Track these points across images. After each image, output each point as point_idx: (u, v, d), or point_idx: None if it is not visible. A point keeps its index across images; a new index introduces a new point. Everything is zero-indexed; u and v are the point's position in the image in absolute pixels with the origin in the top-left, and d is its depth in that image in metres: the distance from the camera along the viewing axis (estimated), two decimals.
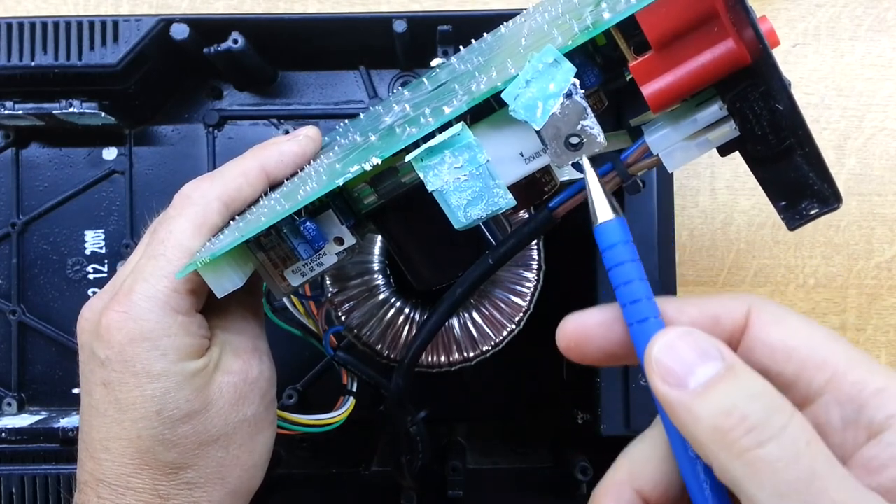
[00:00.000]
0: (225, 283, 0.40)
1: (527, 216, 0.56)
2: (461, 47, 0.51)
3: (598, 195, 0.33)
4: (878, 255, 0.70)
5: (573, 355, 0.34)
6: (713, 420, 0.27)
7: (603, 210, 0.32)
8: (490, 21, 0.53)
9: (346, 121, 0.57)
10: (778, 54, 0.31)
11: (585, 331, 0.33)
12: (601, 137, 0.33)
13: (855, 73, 0.70)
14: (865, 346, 0.70)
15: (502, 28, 0.50)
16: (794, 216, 0.33)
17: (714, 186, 0.70)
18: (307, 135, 0.48)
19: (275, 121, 0.65)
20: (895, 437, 0.28)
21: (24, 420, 0.61)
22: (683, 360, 0.29)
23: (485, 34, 0.50)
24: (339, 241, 0.42)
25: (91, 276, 0.65)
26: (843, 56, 0.70)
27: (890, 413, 0.28)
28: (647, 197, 0.57)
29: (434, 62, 0.52)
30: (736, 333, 0.31)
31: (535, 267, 0.57)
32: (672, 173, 0.58)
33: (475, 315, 0.58)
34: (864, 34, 0.70)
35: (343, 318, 0.57)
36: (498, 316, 0.57)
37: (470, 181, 0.35)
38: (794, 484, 0.26)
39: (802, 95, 0.69)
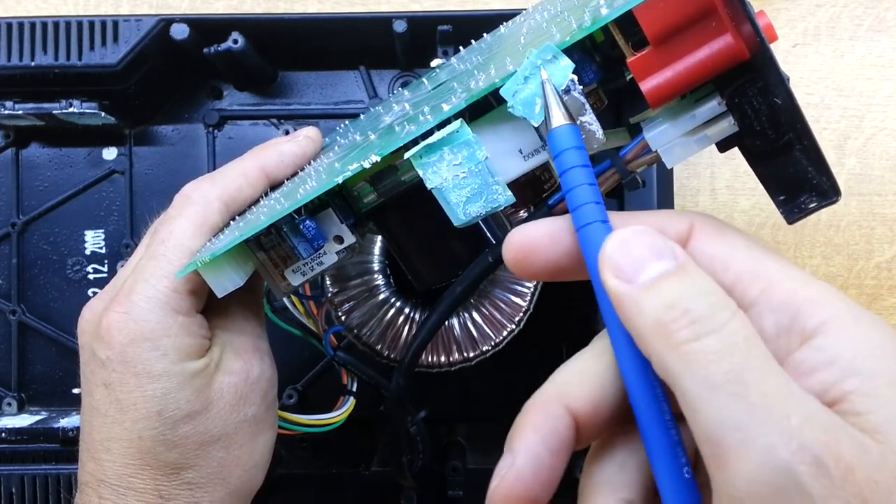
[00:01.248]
0: (225, 283, 0.40)
1: (526, 215, 0.56)
2: (461, 47, 0.51)
3: (553, 102, 0.32)
4: (878, 256, 0.70)
5: (520, 269, 0.33)
6: (656, 312, 0.27)
7: (557, 116, 0.32)
8: (490, 21, 0.53)
9: (347, 122, 0.57)
10: (778, 54, 0.31)
11: (532, 242, 0.33)
12: (600, 133, 0.33)
13: (855, 73, 0.70)
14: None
15: (502, 28, 0.50)
16: (793, 210, 0.33)
17: (714, 186, 0.70)
18: (307, 135, 0.48)
19: (275, 121, 0.65)
20: (825, 341, 0.28)
21: (24, 420, 0.61)
22: (635, 256, 0.29)
23: (485, 34, 0.50)
24: (339, 239, 0.42)
25: (91, 277, 0.65)
26: (843, 56, 0.70)
27: (821, 319, 0.28)
28: (648, 197, 0.57)
29: (434, 62, 0.52)
30: (679, 245, 0.31)
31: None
32: (672, 174, 0.58)
33: (475, 315, 0.58)
34: (864, 34, 0.70)
35: (343, 318, 0.57)
36: (498, 316, 0.57)
37: (469, 178, 0.35)
38: (725, 374, 0.26)
39: (802, 95, 0.69)
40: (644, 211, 0.33)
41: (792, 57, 0.70)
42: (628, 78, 0.36)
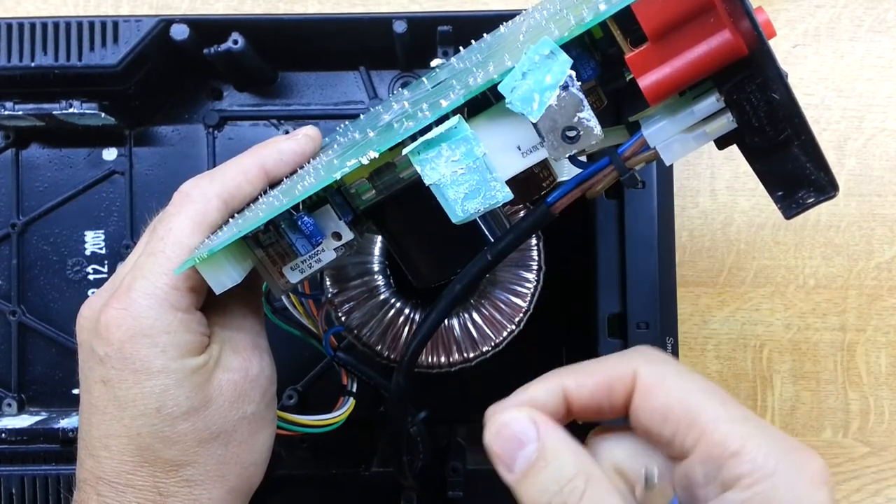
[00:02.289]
0: (223, 280, 0.40)
1: (524, 213, 0.56)
2: (461, 48, 0.51)
3: None
4: (878, 256, 0.70)
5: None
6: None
7: None
8: (490, 21, 0.53)
9: (347, 122, 0.57)
10: (778, 55, 0.31)
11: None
12: (598, 129, 0.33)
13: (855, 74, 0.70)
14: (865, 346, 0.70)
15: (502, 28, 0.50)
16: (791, 205, 0.33)
17: (714, 187, 0.70)
18: (306, 134, 0.48)
19: (275, 121, 0.65)
20: (735, 496, 0.32)
21: (24, 421, 0.61)
22: (506, 446, 0.33)
23: (485, 35, 0.50)
24: (337, 236, 0.42)
25: (91, 277, 0.65)
26: (843, 57, 0.70)
27: (737, 474, 0.32)
28: (648, 197, 0.57)
29: (434, 63, 0.52)
30: (628, 397, 0.35)
31: (535, 268, 0.57)
32: (672, 174, 0.58)
33: (475, 315, 0.58)
34: (864, 35, 0.70)
35: (343, 318, 0.57)
36: (498, 316, 0.57)
37: (467, 174, 0.35)
38: None
39: (802, 96, 0.69)
40: (594, 364, 0.37)
41: (792, 58, 0.70)
42: (628, 78, 0.36)
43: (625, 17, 0.32)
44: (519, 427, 0.34)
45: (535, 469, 0.33)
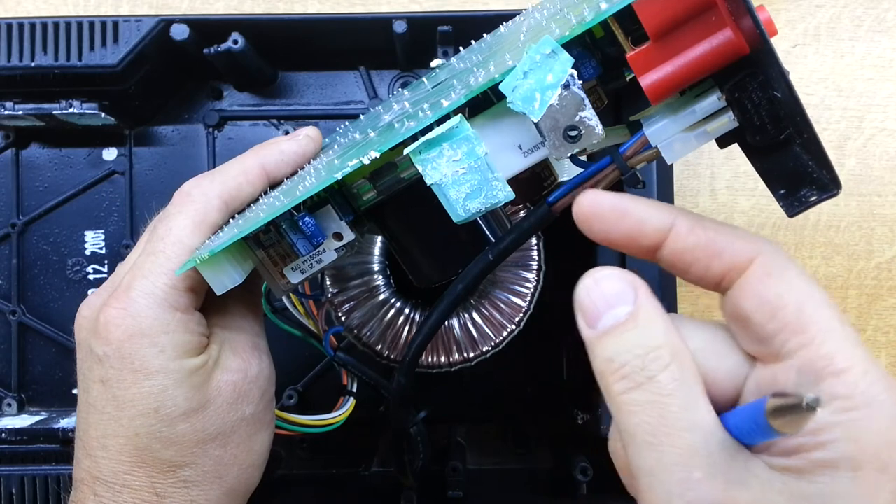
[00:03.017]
0: (224, 280, 0.40)
1: (525, 213, 0.56)
2: (461, 48, 0.51)
3: None
4: (878, 256, 0.70)
5: (584, 229, 0.35)
6: (600, 364, 0.31)
7: None
8: (490, 22, 0.53)
9: (347, 122, 0.57)
10: (778, 55, 0.31)
11: (599, 210, 0.34)
12: (599, 129, 0.33)
13: (855, 74, 0.70)
14: (865, 346, 0.70)
15: (502, 28, 0.50)
16: (794, 203, 0.33)
17: (714, 187, 0.70)
18: (307, 134, 0.48)
19: (275, 121, 0.65)
20: (825, 415, 0.29)
21: (24, 421, 0.61)
22: (597, 301, 0.32)
23: (485, 35, 0.50)
24: (338, 236, 0.42)
25: (91, 277, 0.65)
26: (844, 57, 0.70)
27: (835, 393, 0.30)
28: (647, 196, 0.57)
29: (434, 63, 0.52)
30: (733, 272, 0.32)
31: (535, 268, 0.57)
32: (672, 174, 0.58)
33: (475, 315, 0.58)
34: (864, 35, 0.70)
35: (343, 318, 0.57)
36: (498, 316, 0.57)
37: (468, 174, 0.35)
38: (643, 427, 0.30)
39: (803, 96, 0.68)
40: (717, 224, 0.34)
41: (792, 57, 0.70)
42: (629, 78, 0.36)
43: (626, 16, 0.32)
44: (618, 286, 0.32)
45: (622, 328, 0.31)
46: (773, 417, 0.26)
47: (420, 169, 0.35)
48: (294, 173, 0.47)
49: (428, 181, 0.35)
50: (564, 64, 0.32)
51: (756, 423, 0.28)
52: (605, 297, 0.32)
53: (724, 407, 0.32)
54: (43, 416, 0.63)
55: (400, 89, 0.63)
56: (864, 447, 0.29)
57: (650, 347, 0.31)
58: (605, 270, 0.33)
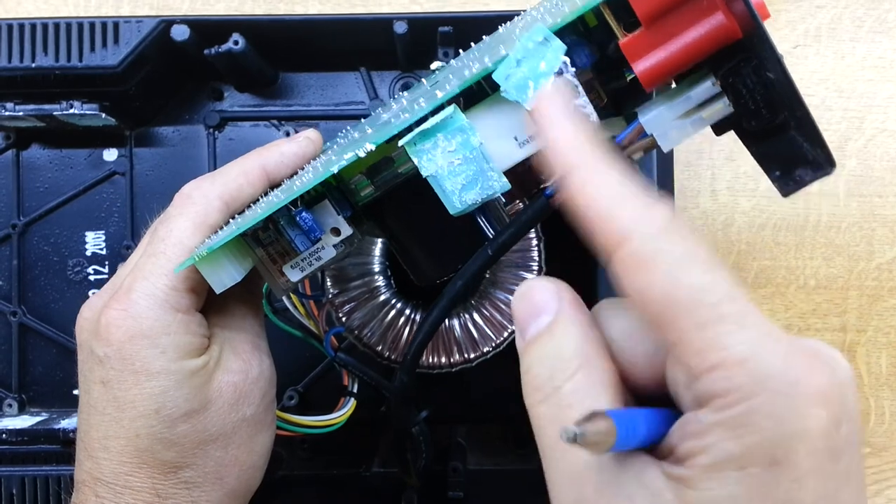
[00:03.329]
0: (223, 278, 0.40)
1: (522, 207, 0.56)
2: (461, 49, 0.51)
3: None
4: (879, 257, 0.70)
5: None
6: (523, 373, 0.32)
7: None
8: (490, 22, 0.53)
9: (349, 126, 0.57)
10: (771, 38, 0.31)
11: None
12: (594, 116, 0.33)
13: (855, 75, 0.70)
14: (866, 347, 0.70)
15: (500, 29, 0.50)
16: (788, 183, 0.33)
17: (714, 188, 0.70)
18: (308, 137, 0.48)
19: (275, 122, 0.65)
20: (708, 416, 0.27)
21: (25, 421, 0.61)
22: (525, 311, 0.32)
23: (484, 37, 0.50)
24: (336, 231, 0.42)
25: (92, 278, 0.65)
26: (844, 57, 0.70)
27: (711, 392, 0.27)
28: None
29: (434, 64, 0.52)
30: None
31: (536, 268, 0.57)
32: (672, 174, 0.58)
33: (475, 316, 0.58)
34: (864, 35, 0.70)
35: (344, 319, 0.57)
36: (498, 317, 0.57)
37: (464, 165, 0.35)
38: (545, 439, 0.30)
39: (803, 97, 0.69)
40: None
41: (792, 58, 0.70)
42: (628, 78, 0.36)
43: (618, 3, 0.32)
44: (543, 297, 0.32)
45: (540, 339, 0.31)
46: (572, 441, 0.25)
47: (415, 160, 0.35)
48: (294, 175, 0.47)
49: (423, 173, 0.35)
50: (557, 51, 0.32)
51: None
52: (532, 306, 0.32)
53: (651, 391, 0.31)
54: (43, 416, 0.63)
55: (401, 92, 0.63)
56: (748, 443, 0.26)
57: (561, 358, 0.31)
58: (534, 281, 0.33)
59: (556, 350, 0.31)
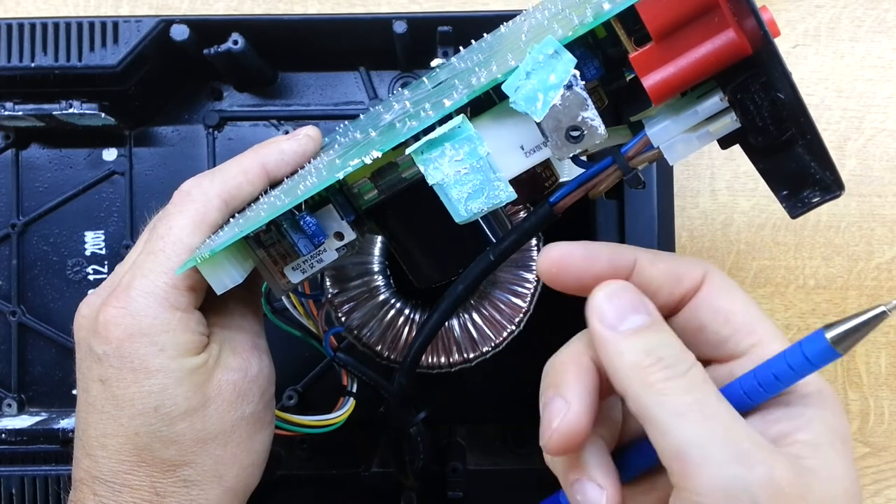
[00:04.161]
0: (224, 280, 0.40)
1: (526, 214, 0.56)
2: (461, 48, 0.51)
3: None
4: (878, 257, 0.70)
5: (550, 279, 0.38)
6: (635, 357, 0.34)
7: None
8: (490, 22, 0.53)
9: (347, 122, 0.57)
10: (782, 55, 0.31)
11: (569, 260, 0.37)
12: (602, 129, 0.33)
13: (855, 75, 0.70)
14: (865, 347, 0.70)
15: (502, 28, 0.50)
16: (797, 204, 0.33)
17: (714, 187, 0.70)
18: (307, 134, 0.48)
19: (275, 122, 0.65)
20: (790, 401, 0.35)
21: (24, 421, 0.61)
22: (619, 307, 0.35)
23: (485, 35, 0.50)
24: (340, 236, 0.42)
25: (91, 277, 0.65)
26: (844, 57, 0.70)
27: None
28: (647, 198, 0.57)
29: (434, 63, 0.52)
30: (690, 292, 0.38)
31: (535, 268, 0.57)
32: (672, 174, 0.58)
33: (475, 316, 0.57)
34: (864, 35, 0.70)
35: (343, 318, 0.57)
36: (498, 317, 0.57)
37: (470, 174, 0.35)
38: (690, 406, 0.32)
39: (803, 96, 0.69)
40: (669, 255, 0.38)
41: (792, 58, 0.70)
42: (629, 78, 0.36)
43: (629, 17, 0.32)
44: (636, 298, 0.35)
45: (647, 331, 0.34)
46: (836, 339, 0.31)
47: (422, 169, 0.35)
48: (294, 173, 0.47)
49: (430, 181, 0.35)
50: (567, 64, 0.32)
51: (788, 367, 0.33)
52: (626, 303, 0.35)
53: None
54: (43, 416, 0.63)
55: (400, 89, 0.63)
56: (832, 427, 0.34)
57: (673, 351, 0.34)
58: (621, 283, 0.36)
59: (667, 343, 0.35)
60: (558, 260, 0.37)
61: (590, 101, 0.33)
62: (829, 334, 0.32)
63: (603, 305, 0.35)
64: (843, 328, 0.32)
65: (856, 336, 0.31)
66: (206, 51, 0.58)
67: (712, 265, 0.38)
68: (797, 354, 0.33)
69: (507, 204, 0.36)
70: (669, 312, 0.38)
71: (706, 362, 0.37)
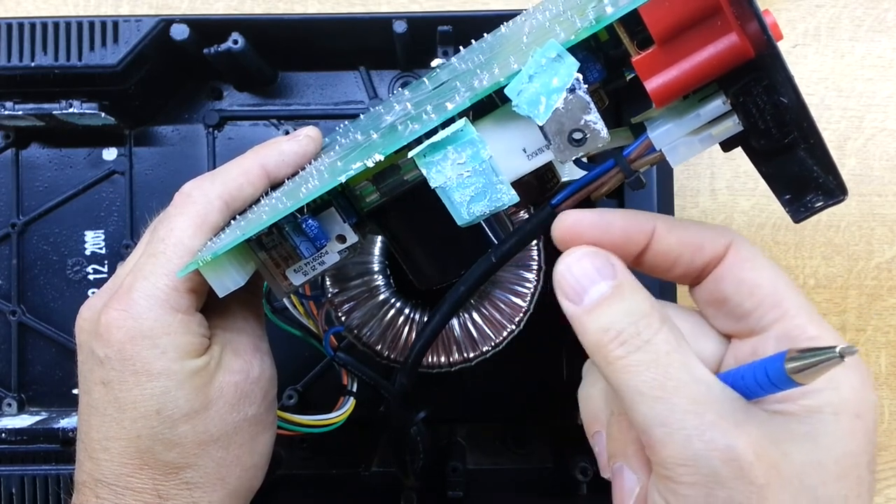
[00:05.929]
0: (226, 282, 0.40)
1: (527, 216, 0.56)
2: (461, 48, 0.51)
3: None
4: (878, 256, 0.70)
5: (564, 248, 0.36)
6: (596, 335, 0.33)
7: None
8: (490, 21, 0.53)
9: (347, 122, 0.57)
10: (784, 59, 0.31)
11: (581, 227, 0.36)
12: (604, 132, 0.33)
13: (855, 74, 0.70)
14: (865, 346, 0.70)
15: (503, 28, 0.49)
16: (799, 209, 0.33)
17: (714, 187, 0.70)
18: (307, 134, 0.48)
19: (275, 121, 0.65)
20: None
21: (24, 421, 0.61)
22: (579, 278, 0.34)
23: (485, 34, 0.50)
24: (342, 238, 0.41)
25: (91, 277, 0.65)
26: (844, 57, 0.70)
27: None
28: (648, 198, 0.57)
29: (434, 62, 0.52)
30: (713, 261, 0.36)
31: (536, 268, 0.57)
32: (672, 174, 0.58)
33: (475, 315, 0.57)
34: (864, 35, 0.70)
35: (343, 318, 0.57)
36: (498, 316, 0.57)
37: (473, 177, 0.35)
38: (649, 383, 0.32)
39: (803, 96, 0.69)
40: (690, 223, 0.37)
41: (792, 57, 0.70)
42: (628, 78, 0.36)
43: (631, 20, 0.32)
44: (598, 262, 0.34)
45: (609, 300, 0.33)
46: (792, 370, 0.29)
47: (424, 172, 0.35)
48: (295, 173, 0.47)
49: (432, 184, 0.35)
50: (570, 68, 0.32)
51: (766, 377, 0.31)
52: (586, 273, 0.34)
53: None
54: (43, 416, 0.63)
55: (400, 89, 0.63)
56: (842, 397, 0.33)
57: (641, 314, 0.33)
58: (582, 249, 0.35)
59: (635, 307, 0.33)
60: (571, 227, 0.36)
61: (592, 105, 0.33)
62: (789, 365, 0.30)
63: (564, 277, 0.34)
64: (802, 362, 0.30)
65: (814, 371, 0.30)
66: (206, 50, 0.58)
67: (736, 233, 0.37)
68: (762, 371, 0.32)
69: (509, 206, 0.36)
70: (692, 282, 0.37)
71: (728, 337, 0.37)
